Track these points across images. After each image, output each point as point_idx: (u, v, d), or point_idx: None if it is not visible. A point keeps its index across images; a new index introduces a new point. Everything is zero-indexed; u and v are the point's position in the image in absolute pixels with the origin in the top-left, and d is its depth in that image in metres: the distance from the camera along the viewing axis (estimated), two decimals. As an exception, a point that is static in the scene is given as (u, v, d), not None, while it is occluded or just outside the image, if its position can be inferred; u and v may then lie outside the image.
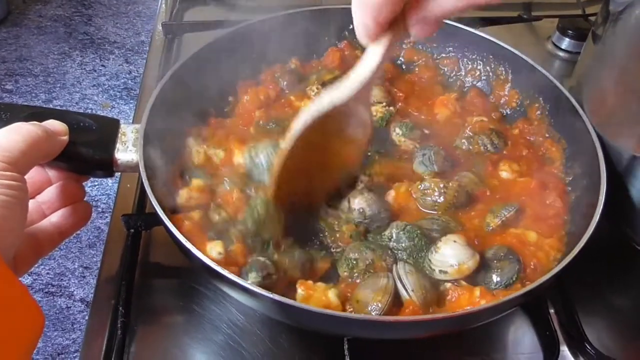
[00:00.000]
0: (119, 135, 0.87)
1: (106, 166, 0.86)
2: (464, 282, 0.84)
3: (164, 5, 1.63)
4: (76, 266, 2.47)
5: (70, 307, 2.33)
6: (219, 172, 0.96)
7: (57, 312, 2.32)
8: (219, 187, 0.93)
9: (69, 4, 3.85)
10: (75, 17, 3.73)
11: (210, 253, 0.82)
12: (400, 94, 1.17)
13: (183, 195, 0.90)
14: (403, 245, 0.89)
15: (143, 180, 0.81)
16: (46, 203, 0.83)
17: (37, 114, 0.80)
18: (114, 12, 3.82)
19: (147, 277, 0.97)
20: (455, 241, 0.86)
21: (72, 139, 0.79)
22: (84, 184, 0.88)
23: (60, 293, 2.37)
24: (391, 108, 1.13)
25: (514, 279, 0.84)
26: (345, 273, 0.86)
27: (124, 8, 3.86)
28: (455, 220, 0.93)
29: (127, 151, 0.86)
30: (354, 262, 0.86)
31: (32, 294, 0.67)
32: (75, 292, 2.38)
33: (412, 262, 0.87)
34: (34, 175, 0.83)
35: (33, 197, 0.83)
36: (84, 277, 2.43)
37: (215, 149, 0.99)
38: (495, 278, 0.85)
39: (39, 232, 0.80)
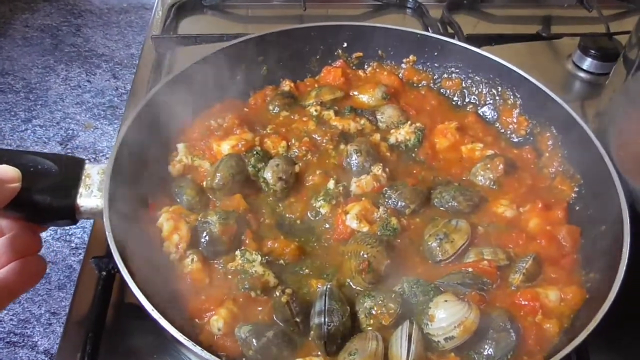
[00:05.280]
0: (83, 177, 0.78)
1: (67, 214, 0.76)
2: (452, 354, 0.75)
3: (157, 15, 1.53)
4: (42, 311, 2.26)
5: (32, 360, 2.13)
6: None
7: (17, 366, 2.10)
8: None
9: (58, 12, 3.72)
10: (63, 27, 3.62)
11: (212, 327, 0.78)
12: (412, 112, 1.09)
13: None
14: (416, 300, 0.80)
15: (107, 232, 0.71)
16: None
17: None
18: (104, 22, 3.69)
19: (121, 318, 0.88)
20: (446, 300, 0.77)
21: (26, 185, 0.70)
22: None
23: (23, 343, 2.18)
24: (418, 124, 1.05)
25: (508, 356, 0.75)
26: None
27: (115, 17, 3.73)
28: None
29: (91, 196, 0.77)
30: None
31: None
32: (39, 343, 2.19)
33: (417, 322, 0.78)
34: (-20, 226, 0.73)
35: None
36: (50, 324, 2.24)
37: (200, 159, 0.97)
38: (487, 350, 0.76)
39: None
